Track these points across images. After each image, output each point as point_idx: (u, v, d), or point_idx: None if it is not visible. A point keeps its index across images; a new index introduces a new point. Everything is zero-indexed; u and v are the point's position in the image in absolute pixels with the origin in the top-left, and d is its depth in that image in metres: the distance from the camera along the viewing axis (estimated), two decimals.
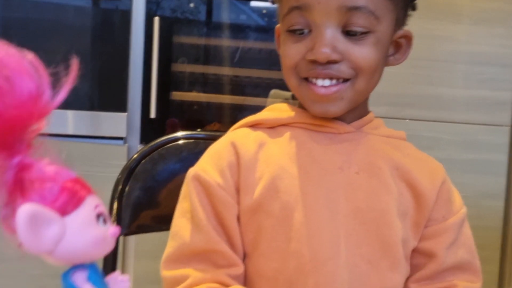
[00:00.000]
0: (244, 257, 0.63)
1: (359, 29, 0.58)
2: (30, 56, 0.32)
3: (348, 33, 0.59)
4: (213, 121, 1.72)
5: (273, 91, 1.73)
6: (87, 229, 0.33)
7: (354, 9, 0.57)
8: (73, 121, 1.57)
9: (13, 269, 1.47)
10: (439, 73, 1.74)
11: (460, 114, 1.75)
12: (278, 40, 0.68)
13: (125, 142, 1.64)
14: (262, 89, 1.72)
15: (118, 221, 0.79)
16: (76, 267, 0.34)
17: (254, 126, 0.67)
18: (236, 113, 1.70)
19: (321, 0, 0.57)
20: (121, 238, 0.81)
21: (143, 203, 0.82)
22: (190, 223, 0.62)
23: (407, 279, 0.65)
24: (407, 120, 1.72)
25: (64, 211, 0.32)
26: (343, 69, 0.59)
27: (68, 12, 1.63)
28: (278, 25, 0.67)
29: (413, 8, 0.68)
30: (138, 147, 1.64)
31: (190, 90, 1.70)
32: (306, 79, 0.61)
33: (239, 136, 0.66)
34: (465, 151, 1.75)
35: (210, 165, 0.63)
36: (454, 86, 1.75)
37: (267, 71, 1.74)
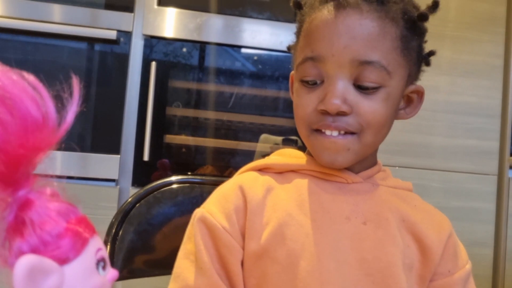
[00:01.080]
0: None
1: (370, 84, 0.58)
2: (31, 78, 0.29)
3: (360, 87, 0.59)
4: (206, 164, 1.72)
5: (263, 136, 1.75)
6: (86, 279, 0.31)
7: (366, 63, 0.58)
8: (64, 162, 1.57)
9: None
10: (427, 122, 1.77)
11: (448, 163, 1.78)
12: (292, 86, 0.68)
13: (116, 184, 1.63)
14: (255, 134, 1.74)
15: (111, 265, 0.79)
16: None
17: (262, 170, 0.67)
18: (229, 157, 1.71)
19: (335, 53, 0.58)
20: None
21: (137, 247, 0.81)
22: (193, 265, 0.60)
23: None
24: (397, 168, 1.74)
25: (64, 259, 0.29)
26: (352, 123, 0.59)
27: (64, 54, 1.66)
28: (292, 72, 0.68)
29: (427, 63, 0.68)
30: (130, 189, 1.63)
31: (184, 134, 1.71)
32: (317, 130, 0.61)
33: (247, 180, 0.65)
34: (453, 199, 1.77)
35: (217, 207, 0.62)
36: (442, 135, 1.79)
37: (259, 116, 1.76)
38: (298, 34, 0.65)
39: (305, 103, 0.61)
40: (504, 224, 1.78)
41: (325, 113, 0.59)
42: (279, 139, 1.74)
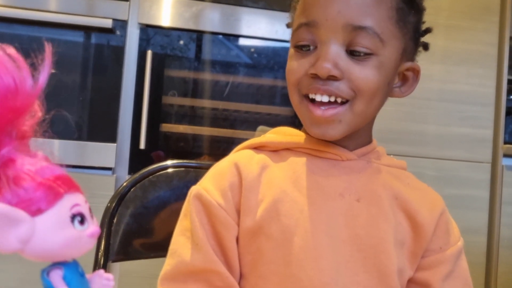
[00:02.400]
0: (241, 277, 0.62)
1: (362, 49, 0.58)
2: (10, 50, 0.33)
3: (352, 53, 0.59)
4: (202, 153, 1.73)
5: (260, 127, 1.75)
6: (58, 230, 0.32)
7: (359, 28, 0.58)
8: (61, 150, 1.58)
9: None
10: (422, 111, 1.79)
11: (442, 151, 1.80)
12: None
13: (113, 173, 1.64)
14: (250, 123, 1.75)
15: (107, 247, 0.80)
16: (54, 264, 0.34)
17: (257, 148, 0.67)
18: (225, 146, 1.72)
19: (329, 17, 0.58)
20: (108, 264, 0.81)
21: (133, 230, 0.82)
22: (189, 242, 0.61)
23: None
24: (391, 156, 1.75)
25: (35, 211, 0.32)
26: (343, 88, 0.59)
27: (60, 45, 1.67)
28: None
29: (425, 47, 0.69)
30: (126, 178, 1.64)
31: (179, 123, 1.72)
32: (307, 97, 0.61)
33: (242, 157, 0.65)
34: (447, 186, 1.79)
35: (212, 184, 0.63)
36: (436, 123, 1.80)
37: (255, 105, 1.77)
38: (295, 5, 0.66)
39: (296, 68, 0.61)
40: (497, 211, 1.80)
41: (316, 77, 0.59)
42: None
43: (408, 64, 0.65)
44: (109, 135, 1.64)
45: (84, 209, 0.34)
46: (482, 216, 1.81)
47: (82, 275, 0.35)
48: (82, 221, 0.33)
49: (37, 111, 0.34)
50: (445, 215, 0.67)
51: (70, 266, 0.34)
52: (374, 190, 0.63)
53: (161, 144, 1.69)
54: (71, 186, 0.33)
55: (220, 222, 0.61)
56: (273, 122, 1.76)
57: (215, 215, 0.61)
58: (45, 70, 0.34)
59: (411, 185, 0.67)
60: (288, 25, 0.69)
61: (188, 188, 0.68)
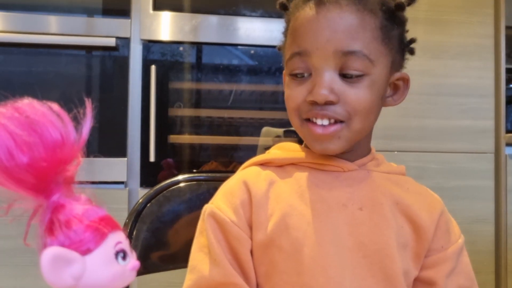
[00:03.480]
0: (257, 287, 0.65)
1: (354, 72, 0.61)
2: (55, 106, 0.37)
3: (345, 76, 0.62)
4: (209, 161, 1.77)
5: (265, 129, 1.78)
6: (106, 267, 0.36)
7: (349, 53, 0.61)
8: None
9: None
10: (423, 106, 1.81)
11: (445, 144, 1.82)
12: (284, 83, 0.71)
13: (126, 186, 1.69)
14: (256, 128, 1.79)
15: None
16: None
17: (263, 164, 0.70)
18: (232, 152, 1.76)
19: (319, 46, 0.61)
20: None
21: (151, 244, 0.85)
22: (207, 257, 0.64)
23: None
24: (395, 152, 1.78)
25: (85, 250, 0.35)
26: (339, 111, 0.62)
27: (65, 63, 1.71)
28: (285, 71, 0.71)
29: (411, 52, 0.71)
30: (138, 190, 1.68)
31: (187, 133, 1.76)
32: (308, 120, 0.65)
33: (250, 175, 0.68)
34: (452, 178, 1.81)
35: (224, 203, 0.66)
36: (438, 117, 1.82)
37: (259, 111, 1.81)
38: (285, 33, 0.69)
39: (295, 95, 0.65)
40: (503, 200, 1.83)
41: (314, 103, 0.62)
42: (280, 131, 1.78)
43: (398, 75, 0.68)
44: (119, 150, 1.68)
45: (125, 245, 0.37)
46: (488, 206, 1.83)
47: None
48: (124, 257, 0.37)
49: (79, 158, 0.38)
50: (445, 216, 0.69)
51: None
52: (375, 198, 0.66)
53: (169, 155, 1.73)
54: (113, 226, 0.37)
55: (234, 237, 0.64)
56: (278, 126, 1.79)
57: (229, 232, 0.64)
58: (87, 124, 0.38)
59: (410, 189, 0.70)
60: (279, 49, 0.73)
61: (200, 200, 0.71)
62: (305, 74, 0.64)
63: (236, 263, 0.64)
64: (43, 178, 0.35)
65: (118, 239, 0.37)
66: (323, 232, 0.63)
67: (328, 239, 0.63)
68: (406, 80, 0.70)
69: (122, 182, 1.68)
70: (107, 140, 1.69)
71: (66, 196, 0.37)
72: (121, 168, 1.67)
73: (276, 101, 1.83)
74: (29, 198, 0.36)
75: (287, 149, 0.72)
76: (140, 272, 0.86)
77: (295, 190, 0.66)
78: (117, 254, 0.37)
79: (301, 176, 0.67)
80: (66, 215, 0.36)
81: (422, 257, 0.67)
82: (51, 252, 0.34)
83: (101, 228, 0.36)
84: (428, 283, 0.67)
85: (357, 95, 0.62)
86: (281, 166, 0.70)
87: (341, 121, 0.63)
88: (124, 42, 1.69)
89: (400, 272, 0.64)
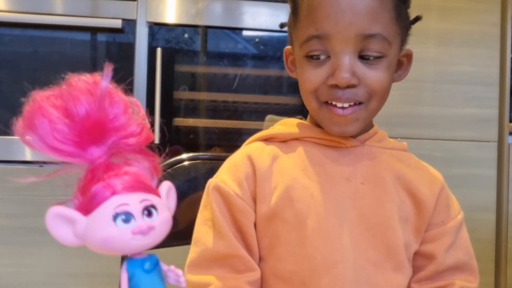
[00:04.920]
0: (260, 260, 0.67)
1: (374, 54, 0.62)
2: (133, 99, 0.42)
3: (363, 58, 0.62)
4: (213, 145, 1.78)
5: (269, 116, 1.78)
6: (101, 228, 0.36)
7: (370, 36, 0.61)
8: None
9: None
10: (427, 93, 1.81)
11: (448, 132, 1.82)
12: (287, 60, 0.72)
13: None
14: (260, 113, 1.79)
15: None
16: (130, 258, 0.38)
17: (267, 140, 0.71)
18: (236, 138, 1.77)
19: (340, 30, 0.61)
20: None
21: None
22: (211, 230, 0.66)
23: (410, 279, 0.68)
24: (399, 139, 1.78)
25: (87, 210, 0.36)
26: (360, 93, 0.63)
27: (71, 45, 1.71)
28: (286, 47, 0.71)
29: (412, 22, 0.71)
30: None
31: (191, 116, 1.77)
32: (326, 102, 0.65)
33: (254, 149, 0.70)
34: (455, 167, 1.81)
35: (229, 176, 0.67)
36: (442, 105, 1.82)
37: (263, 96, 1.81)
38: (295, 11, 0.68)
39: (313, 78, 0.64)
40: (505, 188, 1.83)
41: (335, 86, 0.63)
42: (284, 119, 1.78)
43: (404, 52, 0.69)
44: None
45: (133, 208, 0.36)
46: (490, 194, 1.83)
47: (148, 270, 0.38)
48: (127, 220, 0.36)
49: (137, 134, 0.41)
50: (445, 191, 0.71)
51: (133, 261, 0.38)
52: (378, 172, 0.68)
53: (173, 138, 1.74)
54: (129, 187, 0.37)
55: (238, 210, 0.65)
56: (282, 111, 1.80)
57: (233, 204, 0.65)
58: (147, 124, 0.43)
59: (412, 165, 0.71)
60: (282, 26, 0.72)
61: (205, 179, 0.72)
62: (322, 57, 0.64)
63: (240, 235, 0.66)
64: (105, 131, 0.39)
65: (125, 201, 0.36)
66: (327, 204, 0.65)
67: (331, 212, 0.65)
68: (409, 56, 0.71)
69: None
70: None
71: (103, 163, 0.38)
72: None
73: (281, 86, 1.83)
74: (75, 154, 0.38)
75: (290, 124, 0.73)
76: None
77: (298, 164, 0.67)
78: (116, 215, 0.36)
79: (305, 151, 0.68)
80: (94, 178, 0.37)
81: (423, 231, 0.69)
82: (52, 210, 0.36)
83: (102, 191, 0.36)
84: (428, 257, 0.68)
85: (377, 76, 0.63)
86: (284, 141, 0.71)
87: (360, 103, 0.64)
88: (130, 24, 1.69)
89: (401, 244, 0.65)
